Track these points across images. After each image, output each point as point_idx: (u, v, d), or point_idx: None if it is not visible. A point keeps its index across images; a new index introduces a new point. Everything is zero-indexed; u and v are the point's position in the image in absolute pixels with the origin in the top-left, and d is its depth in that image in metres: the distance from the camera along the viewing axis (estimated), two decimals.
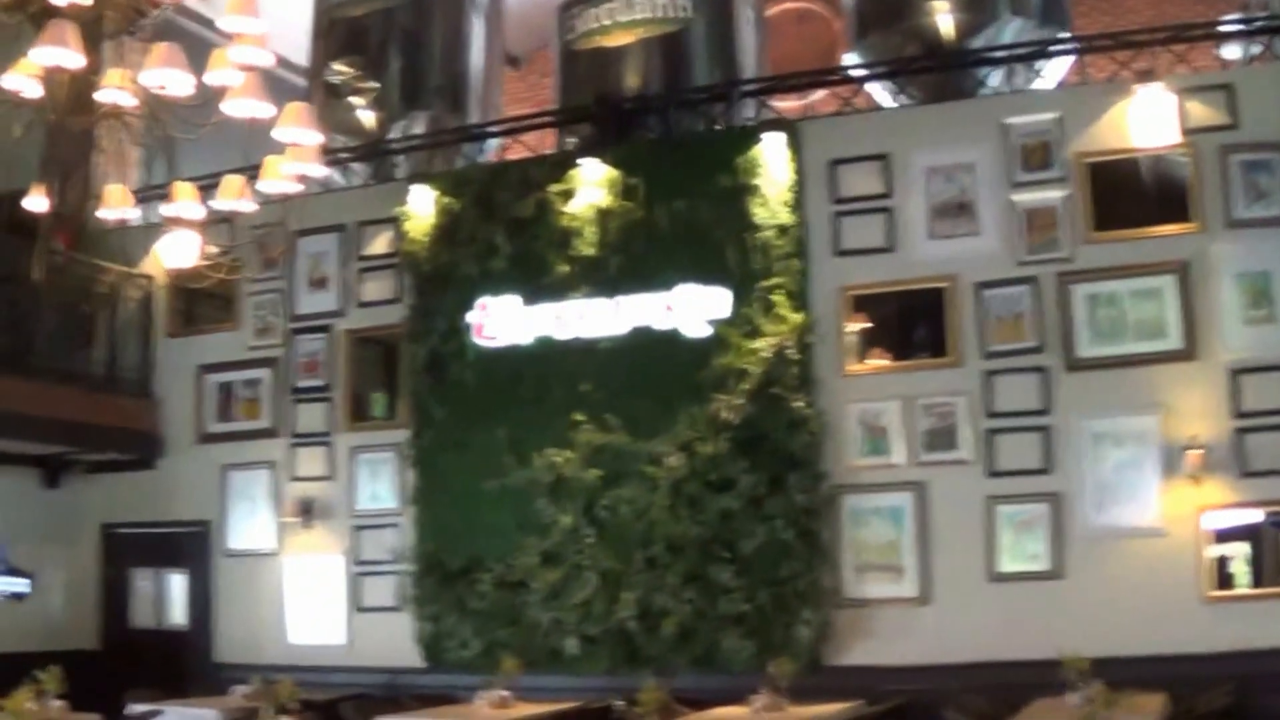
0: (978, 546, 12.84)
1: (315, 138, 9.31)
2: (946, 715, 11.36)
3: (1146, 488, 12.45)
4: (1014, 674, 11.93)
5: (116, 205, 10.38)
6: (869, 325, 13.62)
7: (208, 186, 10.09)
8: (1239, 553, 12.27)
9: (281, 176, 9.42)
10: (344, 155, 16.53)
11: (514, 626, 13.99)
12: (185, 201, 10.09)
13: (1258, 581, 12.15)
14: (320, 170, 9.91)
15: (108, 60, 9.10)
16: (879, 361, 13.56)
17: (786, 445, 13.28)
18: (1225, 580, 12.19)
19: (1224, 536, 12.24)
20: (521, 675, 12.92)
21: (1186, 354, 12.50)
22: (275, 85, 10.21)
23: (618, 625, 13.56)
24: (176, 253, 11.46)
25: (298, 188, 9.61)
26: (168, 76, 8.35)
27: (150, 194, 12.89)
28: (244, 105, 8.65)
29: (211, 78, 8.67)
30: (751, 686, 11.87)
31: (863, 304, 13.61)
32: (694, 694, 12.48)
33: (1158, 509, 12.38)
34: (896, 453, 13.21)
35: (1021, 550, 12.71)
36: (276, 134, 9.10)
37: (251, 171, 9.52)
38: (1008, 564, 12.76)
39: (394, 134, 16.88)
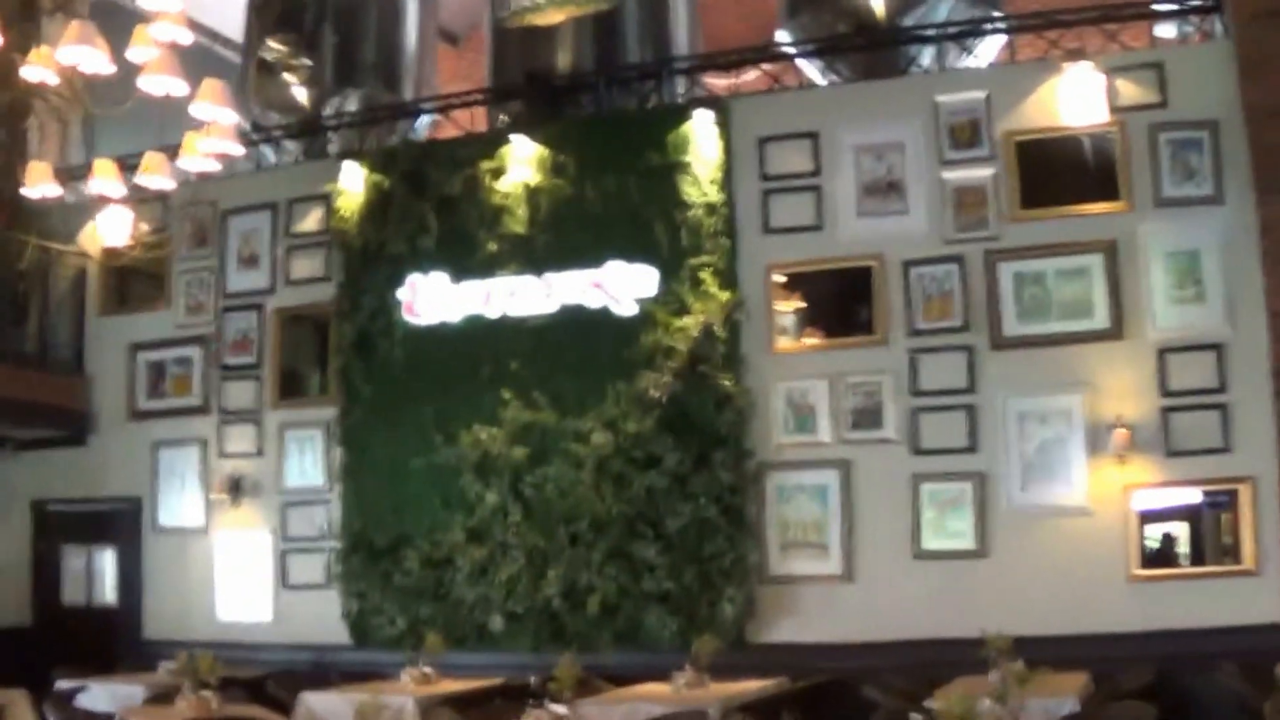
0: (902, 524, 12.54)
1: (232, 115, 9.10)
2: (866, 693, 11.07)
3: (1072, 467, 12.18)
4: (938, 652, 11.69)
5: (40, 182, 10.13)
6: (797, 304, 13.28)
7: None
8: (1177, 533, 12.12)
9: (201, 154, 9.18)
10: (277, 132, 16.07)
11: (440, 603, 13.65)
12: (105, 179, 9.81)
13: (1197, 561, 11.99)
14: (238, 149, 9.60)
15: (46, 38, 8.88)
16: (806, 340, 13.21)
17: (712, 423, 12.94)
18: (1164, 560, 12.02)
19: (1161, 516, 12.07)
20: (447, 652, 12.66)
21: (1113, 333, 12.21)
22: (210, 61, 9.93)
23: (542, 602, 13.22)
24: (109, 230, 11.18)
25: (217, 165, 9.39)
26: (84, 54, 8.12)
27: (86, 171, 12.54)
28: (161, 82, 8.43)
29: (133, 54, 8.42)
30: (675, 663, 11.61)
31: (791, 282, 13.27)
32: (618, 671, 12.29)
33: (1083, 488, 12.11)
34: (822, 431, 12.87)
35: (946, 528, 12.43)
36: (193, 110, 8.92)
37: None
38: (932, 542, 12.47)
39: (327, 111, 16.42)
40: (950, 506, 12.42)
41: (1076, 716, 9.53)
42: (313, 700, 11.78)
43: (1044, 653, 10.50)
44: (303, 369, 15.17)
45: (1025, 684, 9.11)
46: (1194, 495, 12.06)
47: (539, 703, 9.79)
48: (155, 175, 9.65)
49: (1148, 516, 12.03)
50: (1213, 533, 12.05)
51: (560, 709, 9.77)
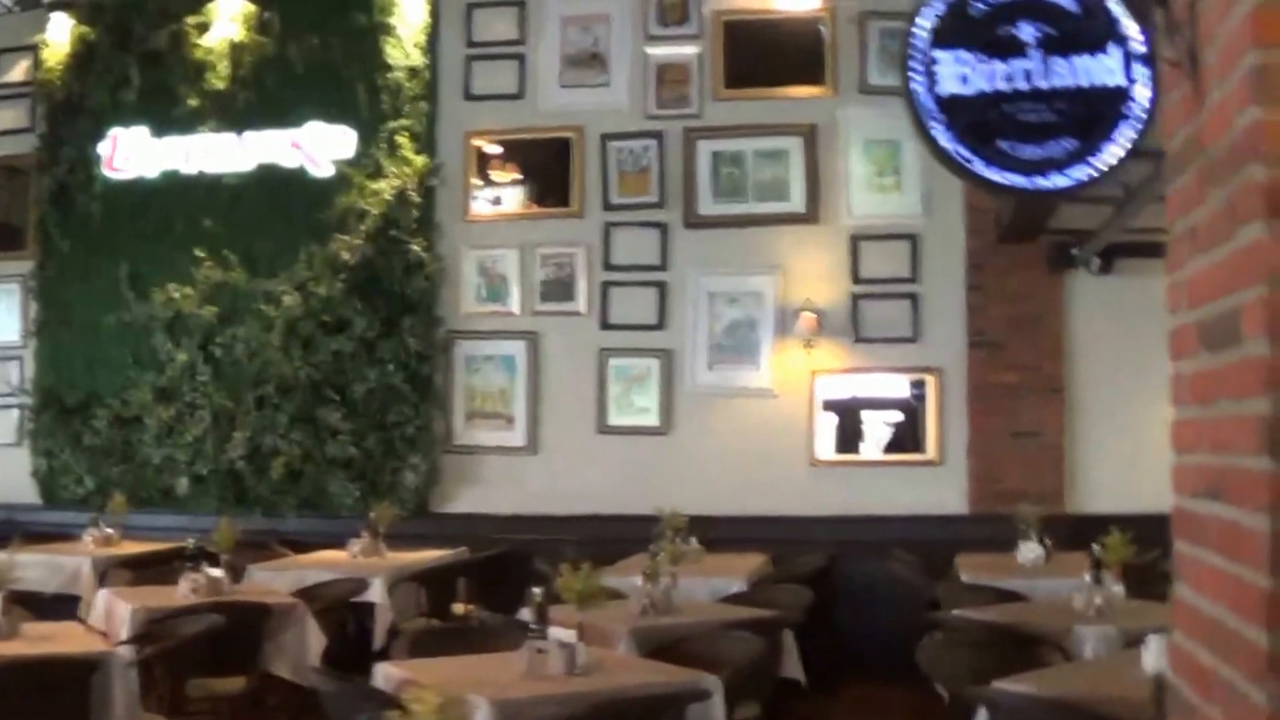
0: (588, 399, 10.67)
1: None
2: (535, 566, 9.18)
3: (760, 348, 10.39)
4: (620, 528, 9.79)
5: None
6: (493, 171, 11.16)
7: None
8: (864, 421, 10.51)
9: None
10: None
11: (127, 464, 11.36)
12: None
13: (882, 449, 10.39)
14: None
15: None
16: (501, 208, 11.08)
17: (403, 289, 10.80)
18: (849, 446, 10.43)
19: (851, 403, 10.41)
20: (133, 513, 10.62)
21: (808, 217, 10.39)
22: None
23: (227, 465, 11.01)
24: None
25: None
26: None
27: None
28: None
29: None
30: (358, 531, 9.76)
31: (489, 150, 11.11)
32: (302, 536, 10.50)
33: (770, 370, 10.35)
34: (513, 301, 10.82)
35: (631, 404, 10.58)
36: None
37: None
38: (617, 418, 10.61)
39: None
40: (636, 382, 10.57)
41: (739, 597, 8.02)
42: None
43: (725, 532, 9.40)
44: (2, 221, 12.41)
45: (679, 562, 7.61)
46: (883, 383, 10.41)
47: (196, 566, 7.89)
48: None
49: (835, 402, 10.35)
50: (902, 422, 10.45)
51: (216, 572, 7.91)
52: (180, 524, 10.75)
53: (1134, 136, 2.91)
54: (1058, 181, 3.05)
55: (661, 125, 10.57)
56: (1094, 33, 2.87)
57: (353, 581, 8.64)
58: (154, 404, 11.18)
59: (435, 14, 11.05)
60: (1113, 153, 2.93)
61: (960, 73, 3.04)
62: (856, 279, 10.23)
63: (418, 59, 10.97)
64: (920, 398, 10.22)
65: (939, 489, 10.01)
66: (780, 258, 10.32)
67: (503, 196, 11.00)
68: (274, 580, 8.77)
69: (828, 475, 10.17)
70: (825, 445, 10.23)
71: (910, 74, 3.13)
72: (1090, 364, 9.98)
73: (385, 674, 5.37)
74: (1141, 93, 2.84)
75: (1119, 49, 2.80)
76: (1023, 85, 3.01)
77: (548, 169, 10.85)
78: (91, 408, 11.44)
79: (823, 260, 10.28)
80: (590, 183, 10.65)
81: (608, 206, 10.62)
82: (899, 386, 10.28)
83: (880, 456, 10.29)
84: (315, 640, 7.69)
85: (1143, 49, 2.82)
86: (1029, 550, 8.50)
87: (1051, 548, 8.47)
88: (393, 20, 11.00)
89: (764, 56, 10.59)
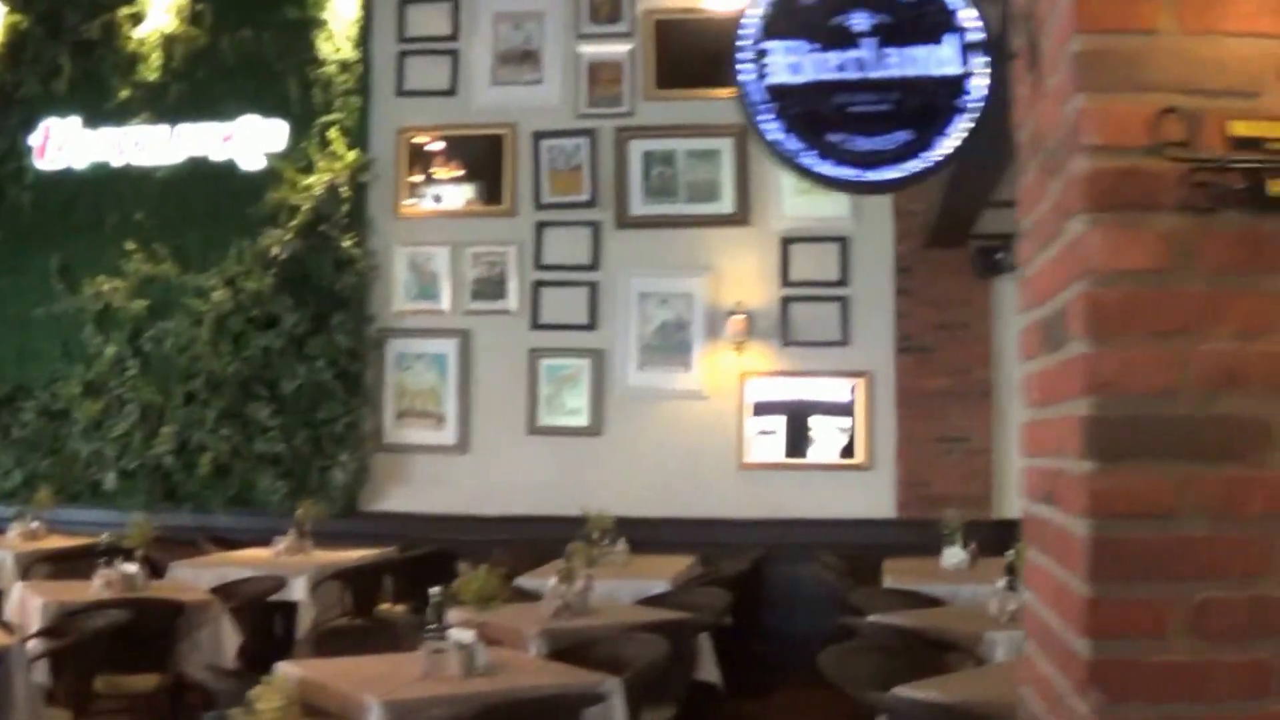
0: (519, 399, 10.46)
1: None
2: (460, 567, 8.89)
3: (690, 350, 10.23)
4: (549, 528, 9.56)
5: None
6: (426, 168, 10.92)
7: None
8: (796, 425, 10.24)
9: None
10: None
11: (55, 457, 11.13)
12: None
13: (811, 452, 10.16)
14: None
15: None
16: (432, 206, 10.85)
17: (333, 285, 10.58)
18: (779, 449, 10.17)
19: (783, 406, 10.18)
20: (61, 508, 10.46)
21: (739, 219, 10.24)
22: None
23: (155, 460, 10.77)
24: None
25: None
26: None
27: None
28: None
29: None
30: (286, 528, 9.51)
31: (421, 146, 10.88)
32: (232, 533, 10.17)
33: (699, 372, 10.20)
34: (444, 299, 10.62)
35: (562, 405, 10.39)
36: None
37: None
38: (547, 418, 10.41)
39: None
40: (567, 383, 10.39)
41: (658, 599, 7.83)
42: None
43: (654, 534, 9.28)
44: None
45: (596, 563, 7.66)
46: (829, 387, 10.18)
47: (110, 561, 7.74)
48: None
49: (783, 405, 10.21)
50: (831, 426, 10.22)
51: (130, 568, 7.72)
52: (108, 519, 10.47)
53: (969, 128, 2.81)
54: (889, 175, 2.96)
55: (593, 124, 10.43)
56: (929, 22, 2.77)
57: (271, 580, 8.43)
58: (82, 397, 10.96)
59: (367, 8, 10.85)
60: (947, 144, 2.84)
61: (791, 63, 2.95)
62: (786, 281, 10.12)
63: (350, 53, 10.78)
64: (841, 398, 10.10)
65: (868, 493, 9.90)
66: (711, 259, 10.19)
67: (444, 193, 10.77)
68: (196, 577, 8.52)
69: (757, 478, 10.04)
70: (773, 448, 10.07)
71: (739, 65, 3.04)
72: (1018, 369, 9.84)
73: (285, 673, 5.20)
74: (978, 84, 2.74)
75: (955, 38, 2.72)
76: (855, 75, 2.91)
77: (480, 166, 10.67)
78: (19, 400, 11.22)
79: (753, 262, 10.16)
80: (522, 181, 10.49)
81: (539, 205, 10.46)
82: (842, 390, 10.10)
83: (809, 460, 10.10)
84: (230, 638, 7.51)
85: (980, 38, 2.72)
86: (953, 555, 8.42)
87: (976, 552, 8.37)
88: (325, 14, 10.83)
89: (696, 56, 10.36)
